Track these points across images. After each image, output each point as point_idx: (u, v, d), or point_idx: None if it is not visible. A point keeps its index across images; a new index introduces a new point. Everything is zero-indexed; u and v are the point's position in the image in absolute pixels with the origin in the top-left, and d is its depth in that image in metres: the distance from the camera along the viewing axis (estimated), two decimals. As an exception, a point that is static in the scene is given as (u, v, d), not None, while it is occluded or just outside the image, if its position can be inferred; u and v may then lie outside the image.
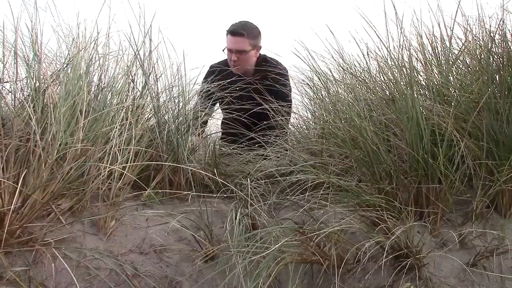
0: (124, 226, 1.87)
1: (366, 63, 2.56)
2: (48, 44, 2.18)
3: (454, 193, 1.96)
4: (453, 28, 2.32)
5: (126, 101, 2.16)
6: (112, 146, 1.87)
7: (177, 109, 2.28)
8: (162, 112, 2.28)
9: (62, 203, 1.82)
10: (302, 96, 2.93)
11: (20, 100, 1.96)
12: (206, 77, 3.18)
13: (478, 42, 2.27)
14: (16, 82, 1.96)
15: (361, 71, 2.59)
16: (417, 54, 2.40)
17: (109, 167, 1.82)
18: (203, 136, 2.57)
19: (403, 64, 2.28)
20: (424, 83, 2.34)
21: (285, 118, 2.90)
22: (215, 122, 3.07)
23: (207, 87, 2.67)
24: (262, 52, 3.27)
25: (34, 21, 2.06)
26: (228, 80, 2.79)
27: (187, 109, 2.35)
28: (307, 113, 2.88)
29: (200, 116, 2.35)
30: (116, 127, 1.92)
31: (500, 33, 2.18)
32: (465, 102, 2.09)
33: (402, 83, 2.21)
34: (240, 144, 2.57)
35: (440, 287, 1.75)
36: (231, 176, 2.31)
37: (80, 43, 2.17)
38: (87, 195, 1.85)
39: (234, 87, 2.74)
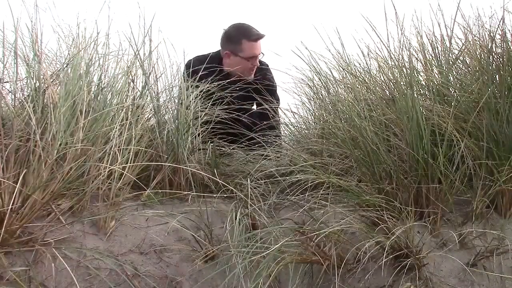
0: (124, 226, 1.87)
1: (366, 63, 2.56)
2: (48, 44, 2.18)
3: (454, 193, 1.96)
4: (453, 28, 2.32)
5: (126, 101, 2.16)
6: (112, 146, 1.87)
7: (177, 109, 2.28)
8: (162, 112, 2.28)
9: (62, 203, 1.82)
10: (301, 96, 2.94)
11: (20, 100, 1.96)
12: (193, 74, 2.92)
13: (478, 42, 2.27)
14: (16, 82, 1.96)
15: (361, 71, 2.59)
16: (417, 54, 2.40)
17: (109, 167, 1.82)
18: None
19: (403, 64, 2.28)
20: (424, 83, 2.34)
21: (276, 118, 2.91)
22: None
23: (207, 87, 2.59)
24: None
25: (34, 21, 2.06)
26: (226, 80, 2.75)
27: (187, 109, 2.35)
28: (307, 113, 2.88)
29: (200, 117, 2.35)
30: (116, 127, 1.92)
31: (500, 33, 2.18)
32: (465, 102, 2.09)
33: (402, 83, 2.21)
34: (239, 144, 2.56)
35: (440, 287, 1.75)
36: (231, 176, 2.31)
37: (80, 43, 2.17)
38: (87, 195, 1.85)
39: (234, 87, 2.72)
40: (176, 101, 2.35)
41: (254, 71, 3.15)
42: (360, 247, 1.77)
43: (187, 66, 2.98)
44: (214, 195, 2.11)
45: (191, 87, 2.46)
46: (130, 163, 1.89)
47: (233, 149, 2.50)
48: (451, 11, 2.29)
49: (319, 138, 2.50)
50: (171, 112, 2.31)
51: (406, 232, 1.79)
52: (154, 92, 2.29)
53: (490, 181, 1.98)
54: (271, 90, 3.14)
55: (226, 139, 2.59)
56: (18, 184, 1.62)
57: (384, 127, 2.09)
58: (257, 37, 3.09)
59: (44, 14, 2.11)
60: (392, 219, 1.84)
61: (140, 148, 2.02)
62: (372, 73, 2.52)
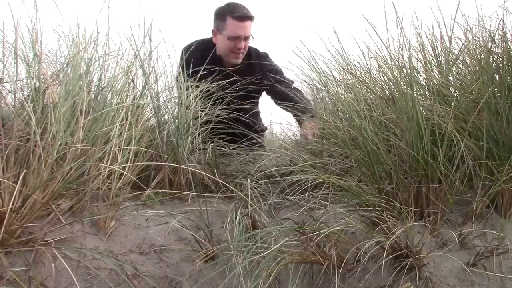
0: (124, 226, 1.87)
1: (366, 63, 2.56)
2: (48, 44, 2.18)
3: (454, 193, 1.96)
4: (453, 28, 2.32)
5: (126, 101, 2.16)
6: (112, 146, 1.87)
7: (177, 109, 2.28)
8: (162, 112, 2.28)
9: (62, 203, 1.82)
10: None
11: (20, 100, 1.96)
12: (188, 61, 2.70)
13: (478, 42, 2.27)
14: (16, 82, 1.96)
15: (361, 71, 2.59)
16: (417, 54, 2.40)
17: (109, 167, 1.82)
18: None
19: (403, 64, 2.28)
20: (424, 83, 2.34)
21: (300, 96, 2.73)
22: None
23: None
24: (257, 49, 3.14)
25: (34, 21, 2.06)
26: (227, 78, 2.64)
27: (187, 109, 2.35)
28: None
29: (200, 116, 2.35)
30: (116, 127, 1.92)
31: (500, 33, 2.18)
32: (465, 102, 2.09)
33: (402, 83, 2.21)
34: (239, 144, 2.54)
35: (440, 287, 1.75)
36: (231, 176, 2.31)
37: (80, 43, 2.17)
38: (87, 195, 1.85)
39: (233, 86, 2.62)
40: (176, 100, 2.34)
41: (240, 57, 2.96)
42: (360, 247, 1.77)
43: (181, 54, 2.92)
44: (214, 195, 2.11)
45: (183, 76, 2.37)
46: (130, 163, 1.89)
47: (233, 149, 2.49)
48: (451, 11, 2.30)
49: (319, 138, 2.51)
50: (171, 112, 2.31)
51: (406, 232, 1.79)
52: (154, 92, 2.29)
53: (490, 181, 1.98)
54: (279, 79, 2.94)
55: (226, 139, 2.58)
56: (18, 184, 1.62)
57: (384, 127, 2.10)
58: (243, 16, 2.88)
59: (44, 14, 2.11)
60: (392, 219, 1.84)
61: (140, 148, 2.02)
62: (372, 73, 2.52)
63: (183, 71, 2.43)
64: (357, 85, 2.41)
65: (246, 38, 2.94)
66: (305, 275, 1.82)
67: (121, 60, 2.24)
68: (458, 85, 2.26)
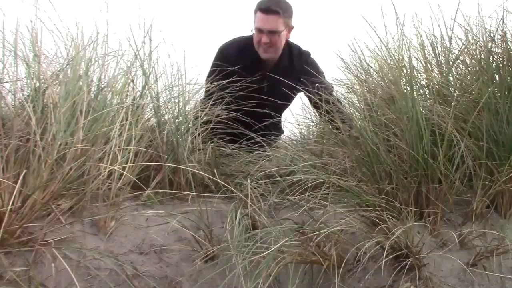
0: (124, 226, 1.87)
1: (366, 63, 2.56)
2: (48, 44, 2.18)
3: (454, 193, 1.96)
4: (453, 28, 2.32)
5: (126, 101, 2.16)
6: (112, 146, 1.86)
7: (177, 109, 2.28)
8: (162, 112, 2.28)
9: (62, 203, 1.82)
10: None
11: (20, 100, 1.96)
12: (224, 56, 2.77)
13: (478, 42, 2.27)
14: (16, 82, 1.96)
15: (361, 71, 2.59)
16: (417, 54, 2.40)
17: (109, 167, 1.81)
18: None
19: (403, 64, 2.28)
20: (424, 83, 2.34)
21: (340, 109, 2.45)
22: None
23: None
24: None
25: (34, 21, 2.06)
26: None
27: (187, 108, 2.35)
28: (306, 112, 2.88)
29: (200, 116, 2.35)
30: (116, 127, 1.92)
31: (500, 33, 2.18)
32: (465, 102, 2.09)
33: (402, 83, 2.21)
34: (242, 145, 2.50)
35: (440, 287, 1.75)
36: (231, 176, 2.31)
37: (80, 43, 2.17)
38: (87, 195, 1.84)
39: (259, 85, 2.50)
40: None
41: (269, 51, 2.80)
42: (360, 247, 1.77)
43: (217, 51, 2.83)
44: (214, 195, 2.11)
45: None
46: (130, 163, 1.89)
47: (233, 149, 2.48)
48: (451, 11, 2.30)
49: (319, 138, 2.51)
50: (171, 112, 2.31)
51: (406, 232, 1.79)
52: (154, 92, 2.29)
53: (490, 181, 1.98)
54: (320, 85, 2.61)
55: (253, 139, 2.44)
56: (18, 184, 1.62)
57: (384, 127, 2.10)
58: (267, 8, 2.73)
59: (44, 14, 2.11)
60: (392, 219, 1.84)
61: (140, 148, 2.02)
62: (372, 73, 2.52)
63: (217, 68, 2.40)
64: (357, 85, 2.41)
65: (271, 33, 2.76)
66: (305, 275, 1.82)
67: (121, 60, 2.24)
68: (458, 85, 2.26)
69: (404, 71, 2.26)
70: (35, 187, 1.68)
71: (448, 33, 2.35)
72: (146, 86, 2.27)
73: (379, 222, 1.83)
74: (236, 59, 2.66)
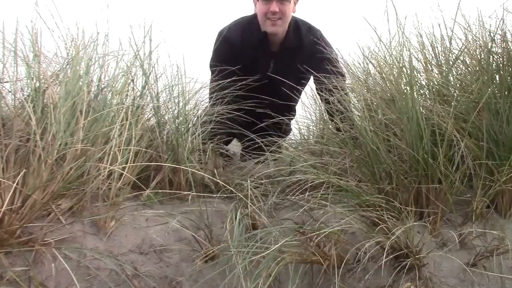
0: (124, 226, 1.87)
1: (366, 63, 2.56)
2: (48, 44, 2.18)
3: (454, 193, 1.96)
4: (453, 28, 2.32)
5: (126, 101, 2.16)
6: (112, 146, 1.86)
7: (177, 109, 2.28)
8: (162, 112, 2.28)
9: (62, 203, 1.82)
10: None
11: (20, 100, 1.96)
12: (221, 47, 2.55)
13: (478, 42, 2.27)
14: (16, 82, 1.96)
15: (361, 70, 2.59)
16: (417, 54, 2.40)
17: (109, 167, 1.82)
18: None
19: (403, 64, 2.28)
20: (424, 83, 2.34)
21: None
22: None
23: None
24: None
25: (34, 21, 2.06)
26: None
27: (187, 108, 2.35)
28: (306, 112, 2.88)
29: (200, 116, 2.35)
30: (116, 127, 1.92)
31: (500, 33, 2.18)
32: (465, 102, 2.09)
33: (402, 83, 2.21)
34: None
35: (440, 287, 1.75)
36: (231, 176, 2.31)
37: (80, 43, 2.17)
38: (87, 195, 1.84)
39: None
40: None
41: (278, 23, 2.57)
42: (360, 247, 1.77)
43: (219, 34, 2.63)
44: (214, 195, 2.11)
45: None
46: (130, 163, 1.89)
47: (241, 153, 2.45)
48: (451, 11, 2.30)
49: (319, 138, 2.51)
50: (171, 112, 2.31)
51: (406, 232, 1.79)
52: (154, 92, 2.29)
53: (490, 181, 1.98)
54: (328, 61, 2.43)
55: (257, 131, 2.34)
56: (18, 184, 1.62)
57: (384, 127, 2.09)
58: None
59: (44, 14, 2.11)
60: (392, 219, 1.84)
61: (140, 148, 2.02)
62: (372, 73, 2.52)
63: (219, 53, 2.29)
64: (357, 85, 2.41)
65: (280, 2, 2.54)
66: (305, 275, 1.82)
67: (121, 60, 2.24)
68: (458, 85, 2.26)
69: (404, 71, 2.26)
70: (35, 187, 1.68)
71: (448, 33, 2.35)
72: (146, 86, 2.27)
73: (379, 222, 1.83)
74: (241, 44, 2.50)
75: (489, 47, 2.18)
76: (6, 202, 1.61)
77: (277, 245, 1.69)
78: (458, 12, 2.26)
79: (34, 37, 2.05)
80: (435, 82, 2.26)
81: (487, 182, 1.98)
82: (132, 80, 2.26)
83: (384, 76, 2.33)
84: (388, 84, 2.26)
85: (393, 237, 1.73)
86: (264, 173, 2.17)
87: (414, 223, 1.86)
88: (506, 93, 2.03)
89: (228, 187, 1.99)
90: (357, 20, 2.43)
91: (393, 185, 1.96)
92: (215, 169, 2.26)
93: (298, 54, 2.56)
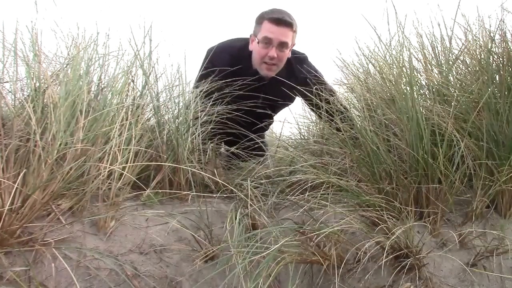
0: (124, 226, 1.87)
1: (366, 63, 2.56)
2: (48, 44, 2.18)
3: (454, 193, 1.96)
4: (453, 28, 2.32)
5: (126, 101, 2.16)
6: (112, 146, 1.87)
7: (177, 109, 2.28)
8: (162, 112, 2.28)
9: (62, 203, 1.82)
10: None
11: (20, 100, 1.96)
12: (212, 63, 2.50)
13: (478, 42, 2.27)
14: (16, 82, 1.96)
15: (361, 70, 2.59)
16: (417, 54, 2.40)
17: (109, 167, 1.82)
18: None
19: (403, 64, 2.28)
20: (424, 83, 2.34)
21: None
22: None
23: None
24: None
25: (34, 21, 2.06)
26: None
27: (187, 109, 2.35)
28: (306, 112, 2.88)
29: (200, 117, 2.35)
30: (116, 127, 1.92)
31: (500, 33, 2.18)
32: (465, 102, 2.09)
33: (402, 83, 2.21)
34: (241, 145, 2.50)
35: (440, 287, 1.75)
36: (231, 176, 2.31)
37: (80, 43, 2.17)
38: (87, 195, 1.84)
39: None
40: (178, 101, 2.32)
41: (273, 69, 2.57)
42: (360, 247, 1.77)
43: (207, 55, 2.59)
44: (214, 195, 2.11)
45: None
46: (130, 163, 1.89)
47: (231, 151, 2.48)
48: (451, 11, 2.30)
49: (319, 138, 2.51)
50: (171, 112, 2.31)
51: (406, 232, 1.79)
52: (154, 92, 2.29)
53: (490, 181, 1.98)
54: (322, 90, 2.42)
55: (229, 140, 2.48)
56: (18, 184, 1.62)
57: (384, 127, 2.10)
58: (280, 19, 2.47)
59: (44, 14, 2.11)
60: (392, 219, 1.84)
61: (140, 148, 2.02)
62: (372, 73, 2.52)
63: (205, 74, 2.33)
64: (358, 85, 2.41)
65: (281, 46, 2.52)
66: (305, 275, 1.82)
67: (121, 60, 2.24)
68: (458, 85, 2.26)
69: (404, 71, 2.26)
70: (35, 187, 1.68)
71: (448, 33, 2.35)
72: (146, 86, 2.27)
73: (379, 222, 1.83)
74: (227, 72, 2.47)
75: (489, 47, 2.19)
76: (6, 202, 1.61)
77: (277, 245, 1.69)
78: (458, 12, 2.26)
79: (34, 37, 2.05)
80: (435, 82, 2.26)
81: (487, 182, 1.98)
82: (132, 80, 2.26)
83: (384, 76, 2.33)
84: (388, 84, 2.26)
85: (393, 237, 1.73)
86: (264, 173, 2.17)
87: (414, 223, 1.86)
88: (506, 93, 2.03)
89: (228, 187, 1.99)
90: (357, 20, 2.44)
91: (393, 185, 1.96)
92: (215, 169, 2.26)
93: (287, 84, 2.55)
